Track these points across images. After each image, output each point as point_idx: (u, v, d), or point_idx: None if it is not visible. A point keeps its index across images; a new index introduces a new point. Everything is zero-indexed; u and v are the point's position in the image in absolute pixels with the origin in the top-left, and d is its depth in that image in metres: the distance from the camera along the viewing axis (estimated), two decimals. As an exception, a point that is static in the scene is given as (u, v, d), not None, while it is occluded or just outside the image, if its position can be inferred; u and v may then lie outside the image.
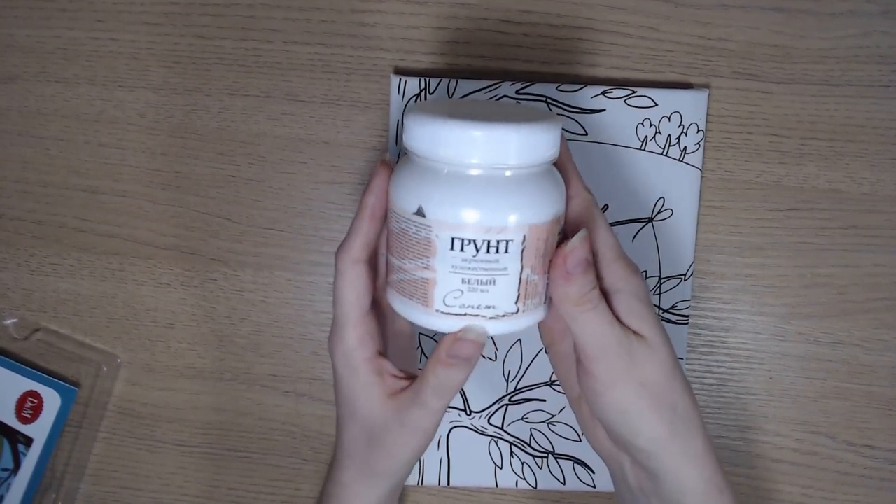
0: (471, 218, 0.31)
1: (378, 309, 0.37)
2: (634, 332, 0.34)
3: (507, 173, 0.31)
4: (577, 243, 0.32)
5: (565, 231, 0.34)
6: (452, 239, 0.31)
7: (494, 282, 0.32)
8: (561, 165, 0.35)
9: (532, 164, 0.31)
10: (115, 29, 0.49)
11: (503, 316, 0.33)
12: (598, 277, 0.34)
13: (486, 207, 0.31)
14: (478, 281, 0.32)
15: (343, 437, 0.38)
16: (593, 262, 0.34)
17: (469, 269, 0.32)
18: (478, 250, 0.31)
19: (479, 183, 0.31)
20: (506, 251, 0.31)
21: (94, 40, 0.49)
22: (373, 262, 0.36)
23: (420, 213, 0.31)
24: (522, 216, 0.31)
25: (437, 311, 0.33)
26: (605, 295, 0.34)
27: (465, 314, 0.33)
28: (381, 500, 0.39)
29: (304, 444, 0.52)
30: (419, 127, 0.31)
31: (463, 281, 0.32)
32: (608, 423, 0.35)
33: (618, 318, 0.34)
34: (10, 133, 0.50)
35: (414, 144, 0.32)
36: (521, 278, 0.32)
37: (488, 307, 0.32)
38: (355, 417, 0.36)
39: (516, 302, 0.33)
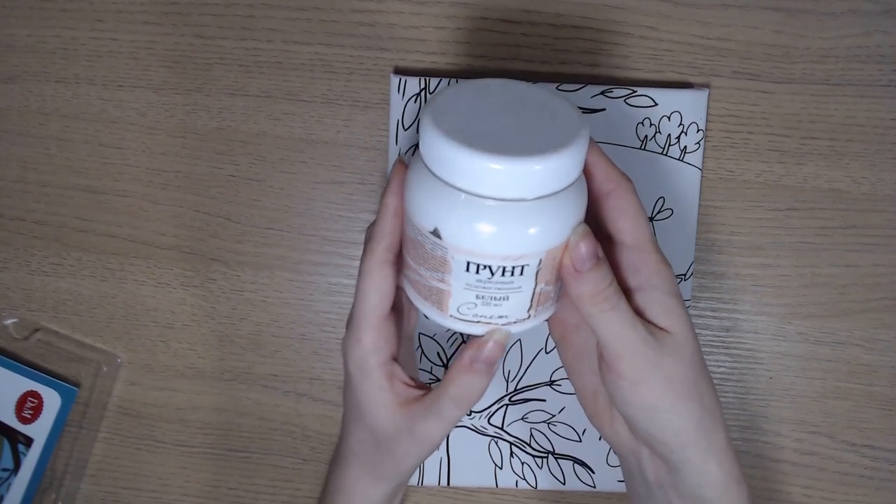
0: (487, 247, 0.30)
1: (396, 312, 0.36)
2: (662, 329, 0.33)
3: (531, 201, 0.30)
4: (578, 241, 0.31)
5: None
6: (468, 263, 0.31)
7: (508, 298, 0.32)
8: (587, 159, 0.33)
9: (556, 192, 0.30)
10: (115, 29, 0.49)
11: (515, 322, 0.33)
12: (634, 270, 0.33)
13: (504, 237, 0.30)
14: (492, 297, 0.32)
15: (350, 437, 0.38)
16: (621, 254, 0.34)
17: (483, 288, 0.31)
18: (493, 274, 0.31)
19: (498, 211, 0.30)
20: (521, 274, 0.31)
21: (94, 40, 0.49)
22: (398, 263, 0.35)
23: (436, 233, 0.31)
24: (540, 243, 0.30)
25: (450, 316, 0.33)
26: (640, 290, 0.33)
27: (479, 322, 0.33)
28: (386, 497, 0.39)
29: (304, 444, 0.52)
30: (437, 149, 0.30)
31: (477, 297, 0.32)
32: (632, 419, 0.35)
33: (645, 315, 0.33)
34: (10, 133, 0.50)
35: (432, 165, 0.30)
36: (534, 292, 0.32)
37: (500, 317, 0.33)
38: (364, 421, 0.36)
39: (528, 311, 0.33)
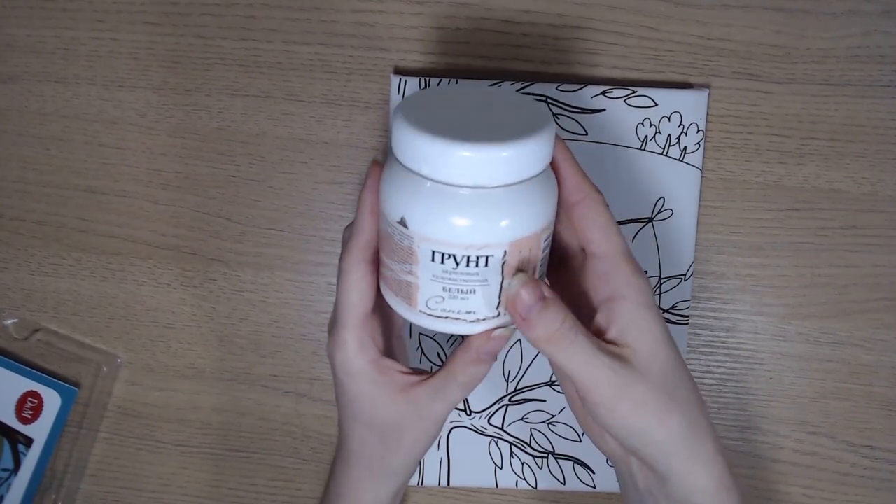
0: (451, 235, 0.30)
1: (380, 309, 0.37)
2: (627, 345, 0.33)
3: (493, 189, 0.31)
4: (519, 289, 0.32)
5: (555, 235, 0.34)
6: (433, 252, 0.31)
7: (474, 291, 0.32)
8: (559, 166, 0.34)
9: (519, 181, 0.31)
10: (115, 29, 0.49)
11: (483, 320, 0.33)
12: (605, 280, 0.34)
13: (468, 225, 0.30)
14: (458, 290, 0.32)
15: (350, 437, 0.38)
16: (593, 264, 0.34)
17: (449, 279, 0.32)
18: (458, 264, 0.31)
19: (463, 200, 0.30)
20: (486, 265, 0.31)
21: (94, 40, 0.49)
22: (377, 262, 0.35)
23: (403, 223, 0.31)
24: (504, 233, 0.31)
25: (420, 311, 0.33)
26: (611, 300, 0.33)
27: (447, 317, 0.33)
28: (389, 497, 0.39)
29: (304, 444, 0.52)
30: (403, 138, 0.30)
31: (444, 289, 0.32)
32: (616, 436, 0.35)
33: (611, 329, 0.33)
34: (10, 133, 0.50)
35: (398, 154, 0.31)
36: (501, 287, 0.32)
37: (468, 312, 0.33)
38: (362, 419, 0.36)
39: (497, 307, 0.33)
